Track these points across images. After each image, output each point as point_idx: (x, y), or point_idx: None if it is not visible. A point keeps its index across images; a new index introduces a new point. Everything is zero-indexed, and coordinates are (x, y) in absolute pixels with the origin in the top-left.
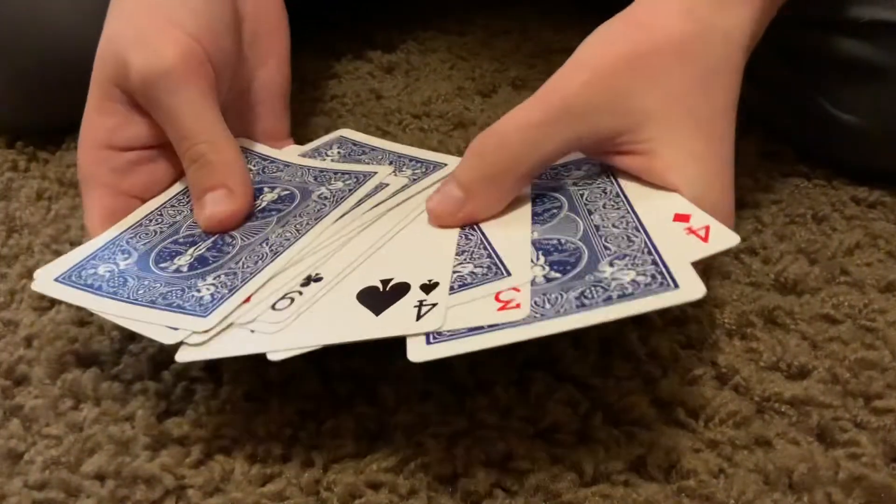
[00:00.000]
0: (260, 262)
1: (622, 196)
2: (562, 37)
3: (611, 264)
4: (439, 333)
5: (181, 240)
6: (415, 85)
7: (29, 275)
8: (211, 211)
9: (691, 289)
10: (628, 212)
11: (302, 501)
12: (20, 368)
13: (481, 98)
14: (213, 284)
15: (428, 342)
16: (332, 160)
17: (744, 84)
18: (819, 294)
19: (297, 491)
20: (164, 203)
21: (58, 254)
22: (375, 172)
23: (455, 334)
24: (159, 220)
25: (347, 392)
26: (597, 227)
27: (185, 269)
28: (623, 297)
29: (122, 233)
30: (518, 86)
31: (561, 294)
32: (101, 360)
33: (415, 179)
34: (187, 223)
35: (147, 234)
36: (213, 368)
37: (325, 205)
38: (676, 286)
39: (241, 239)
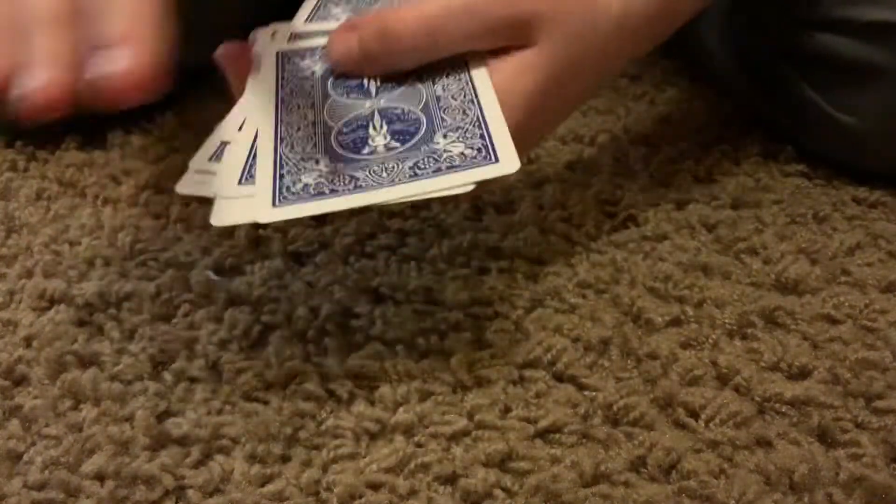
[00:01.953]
0: (469, 111)
1: (466, 71)
2: None
3: (445, 136)
4: (284, 197)
5: (345, 130)
6: None
7: (28, 274)
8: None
9: (509, 163)
10: (468, 83)
11: (302, 502)
12: (19, 369)
13: None
14: (452, 142)
15: (273, 205)
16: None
17: (744, 84)
18: (820, 294)
19: (296, 491)
20: (277, 105)
21: (57, 254)
22: None
23: (300, 198)
24: (296, 126)
25: (347, 392)
26: (438, 98)
27: (395, 144)
28: (451, 168)
29: (276, 147)
30: None
31: (397, 164)
32: (101, 361)
33: None
34: (326, 112)
35: (300, 139)
36: (214, 368)
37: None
38: (497, 160)
39: (410, 106)
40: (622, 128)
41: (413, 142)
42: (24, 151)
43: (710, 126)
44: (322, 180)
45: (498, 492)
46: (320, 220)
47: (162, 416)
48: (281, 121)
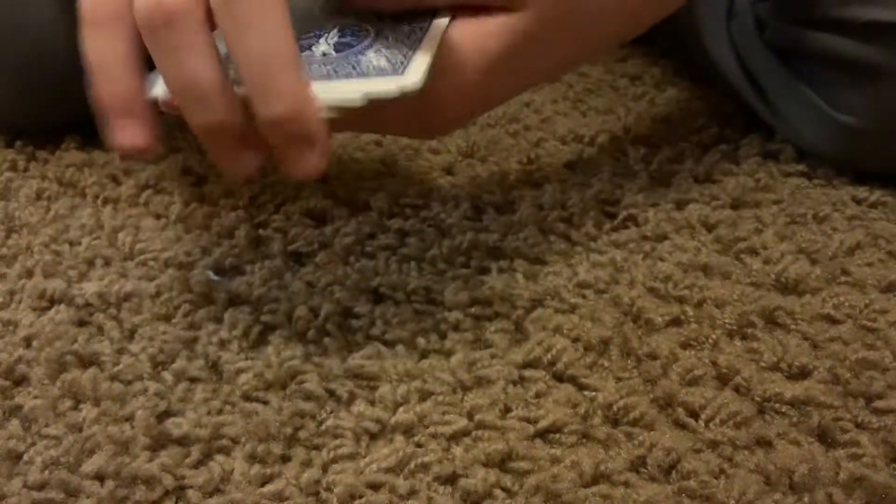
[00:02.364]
0: (414, 34)
1: (432, 17)
2: None
3: (376, 51)
4: None
5: (301, 39)
6: None
7: (28, 274)
8: None
9: (411, 78)
10: (430, 15)
11: (302, 502)
12: (19, 368)
13: None
14: (379, 57)
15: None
16: None
17: (744, 84)
18: (820, 294)
19: (296, 491)
20: None
21: (57, 254)
22: None
23: None
24: None
25: (347, 392)
26: (397, 18)
27: (332, 53)
28: (360, 76)
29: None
30: None
31: (319, 66)
32: (101, 361)
33: None
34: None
35: None
36: (214, 368)
37: None
38: (402, 74)
39: (370, 25)
40: (622, 128)
41: (346, 52)
42: (24, 151)
43: (710, 126)
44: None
45: (498, 492)
46: (320, 219)
47: (162, 416)
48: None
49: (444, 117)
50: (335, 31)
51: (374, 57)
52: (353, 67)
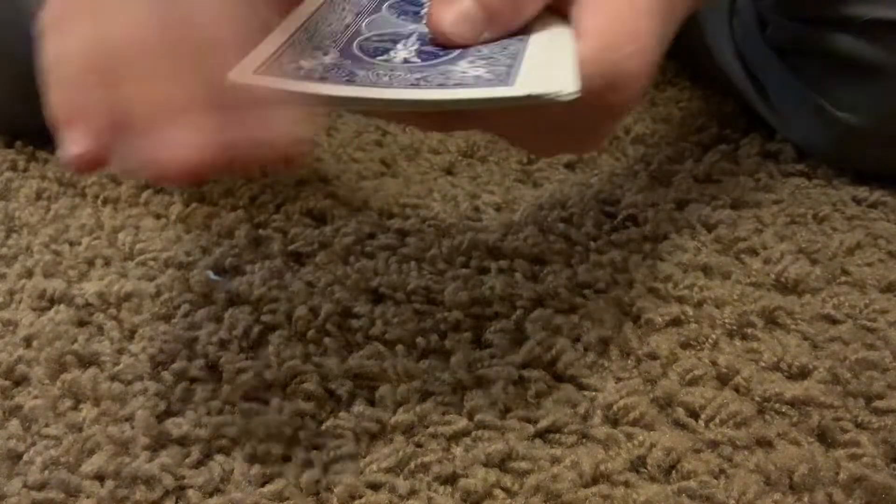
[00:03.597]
0: (510, 47)
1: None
2: None
3: (470, 62)
4: (270, 69)
5: (375, 38)
6: None
7: (28, 274)
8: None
9: (523, 86)
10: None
11: (302, 502)
12: (19, 369)
13: None
14: (476, 66)
15: (254, 72)
16: None
17: (744, 84)
18: (820, 294)
19: (296, 491)
20: (323, 4)
21: (57, 254)
22: None
23: (284, 74)
24: (328, 23)
25: (347, 392)
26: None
27: (416, 59)
28: (457, 85)
29: (294, 32)
30: None
31: (405, 73)
32: (101, 361)
33: None
34: (364, 22)
35: (324, 35)
36: (214, 368)
37: None
38: (510, 84)
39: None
40: (622, 128)
41: (434, 62)
42: (24, 151)
43: (710, 126)
44: (318, 66)
45: (498, 492)
46: (320, 219)
47: (162, 416)
48: (318, 11)
49: (622, 110)
50: (414, 37)
51: (469, 67)
52: (445, 76)
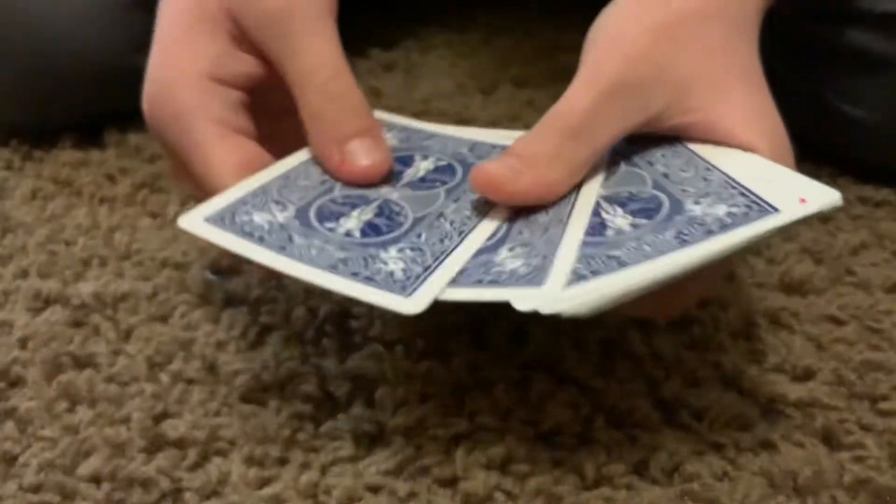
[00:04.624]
0: (447, 240)
1: (680, 145)
2: (563, 34)
3: (697, 202)
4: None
5: (339, 199)
6: (414, 83)
7: (23, 275)
8: (363, 161)
9: (794, 209)
10: (692, 156)
11: None
12: (15, 370)
13: (482, 96)
14: (399, 259)
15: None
16: (405, 141)
17: None
18: (824, 295)
19: (294, 494)
20: (310, 158)
21: (52, 254)
22: None
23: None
24: (306, 176)
25: (345, 394)
26: (665, 175)
27: (356, 234)
28: (724, 227)
29: (270, 181)
30: (519, 83)
31: (656, 236)
32: (97, 362)
33: None
34: (340, 182)
35: (297, 188)
36: (211, 369)
37: None
38: (776, 210)
39: (412, 209)
40: None
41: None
42: (20, 150)
43: None
44: (265, 224)
45: (499, 495)
46: None
47: (158, 418)
48: (306, 162)
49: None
50: (374, 205)
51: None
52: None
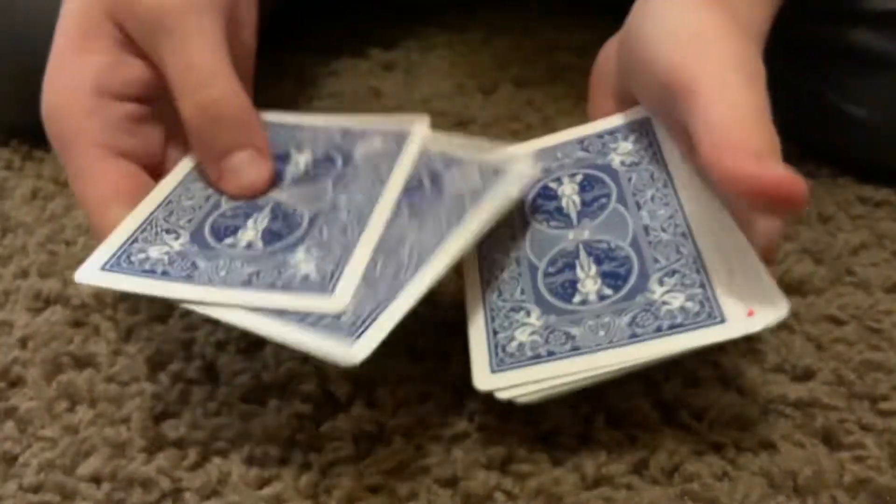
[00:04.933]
0: (349, 231)
1: (670, 187)
2: (563, 34)
3: (660, 282)
4: (501, 360)
5: (229, 213)
6: (414, 83)
7: (24, 275)
8: (245, 175)
9: (738, 323)
10: (677, 210)
11: None
12: (15, 370)
13: (482, 96)
14: (309, 260)
15: (492, 371)
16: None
17: None
18: (824, 294)
19: (295, 494)
20: (189, 173)
21: (53, 254)
22: (410, 132)
23: (517, 361)
24: (190, 195)
25: (345, 394)
26: (646, 229)
27: (258, 244)
28: (673, 328)
29: (154, 210)
30: (519, 83)
31: (613, 318)
32: (97, 362)
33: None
34: (225, 195)
35: (184, 209)
36: (211, 369)
37: (379, 166)
38: (722, 319)
39: (305, 208)
40: None
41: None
42: (20, 150)
43: None
44: (164, 257)
45: (499, 494)
46: None
47: (158, 418)
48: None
49: None
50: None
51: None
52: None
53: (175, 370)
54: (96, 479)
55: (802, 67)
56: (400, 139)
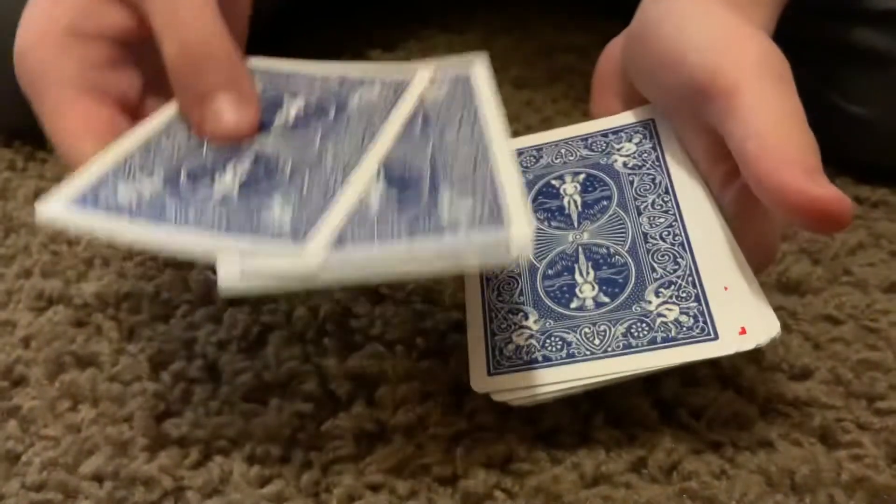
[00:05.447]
0: (331, 183)
1: (671, 194)
2: (563, 35)
3: (656, 293)
4: (498, 363)
5: (210, 157)
6: None
7: (27, 274)
8: (227, 118)
9: (730, 342)
10: (676, 219)
11: (301, 503)
12: (18, 369)
13: None
14: (284, 208)
15: (489, 373)
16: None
17: None
18: (821, 294)
19: (296, 492)
20: (171, 117)
21: (55, 254)
22: (408, 80)
23: (513, 365)
24: (169, 138)
25: (346, 393)
26: (645, 236)
27: (235, 190)
28: (666, 340)
29: (130, 149)
30: (519, 85)
31: (609, 327)
32: (99, 361)
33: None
34: (207, 141)
35: (161, 151)
36: (213, 369)
37: (372, 116)
38: (715, 336)
39: (290, 157)
40: None
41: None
42: (23, 151)
43: None
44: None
45: (498, 493)
46: None
47: (161, 417)
48: (169, 122)
49: None
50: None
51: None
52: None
53: (177, 369)
54: (98, 478)
55: (803, 66)
56: (399, 88)
